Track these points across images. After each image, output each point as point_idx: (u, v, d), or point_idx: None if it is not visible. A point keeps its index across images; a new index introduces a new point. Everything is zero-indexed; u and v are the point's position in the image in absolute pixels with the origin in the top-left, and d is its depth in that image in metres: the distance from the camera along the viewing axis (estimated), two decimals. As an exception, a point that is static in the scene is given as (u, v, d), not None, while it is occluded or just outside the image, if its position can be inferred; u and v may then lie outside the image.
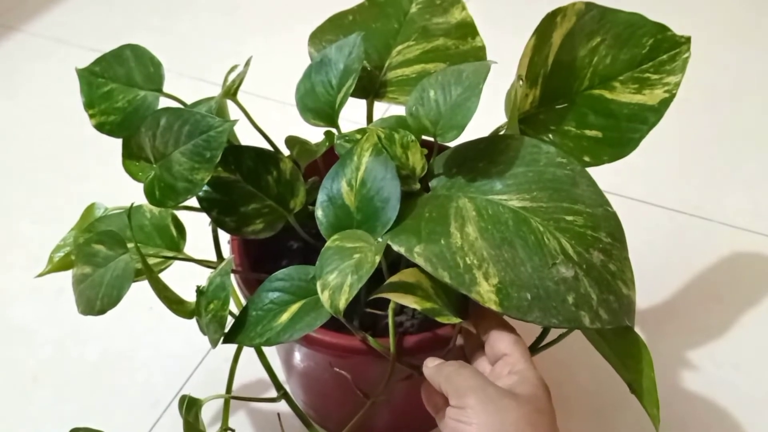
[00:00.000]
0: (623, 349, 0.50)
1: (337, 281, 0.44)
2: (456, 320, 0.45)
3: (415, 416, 0.67)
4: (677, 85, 0.53)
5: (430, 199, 0.50)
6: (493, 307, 0.44)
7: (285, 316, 0.47)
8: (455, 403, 0.42)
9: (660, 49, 0.54)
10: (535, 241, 0.46)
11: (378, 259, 0.44)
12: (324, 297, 0.44)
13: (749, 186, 0.86)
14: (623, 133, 0.54)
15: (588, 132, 0.54)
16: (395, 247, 0.46)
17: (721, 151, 0.91)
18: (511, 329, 0.46)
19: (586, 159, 0.53)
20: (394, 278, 0.46)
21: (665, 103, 0.53)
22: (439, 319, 0.45)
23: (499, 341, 0.45)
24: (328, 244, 0.47)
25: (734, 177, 0.87)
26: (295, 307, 0.47)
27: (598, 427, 0.66)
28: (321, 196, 0.50)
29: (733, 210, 0.83)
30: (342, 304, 0.43)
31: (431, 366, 0.46)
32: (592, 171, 0.51)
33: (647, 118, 0.53)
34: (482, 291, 0.44)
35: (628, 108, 0.54)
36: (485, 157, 0.51)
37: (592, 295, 0.45)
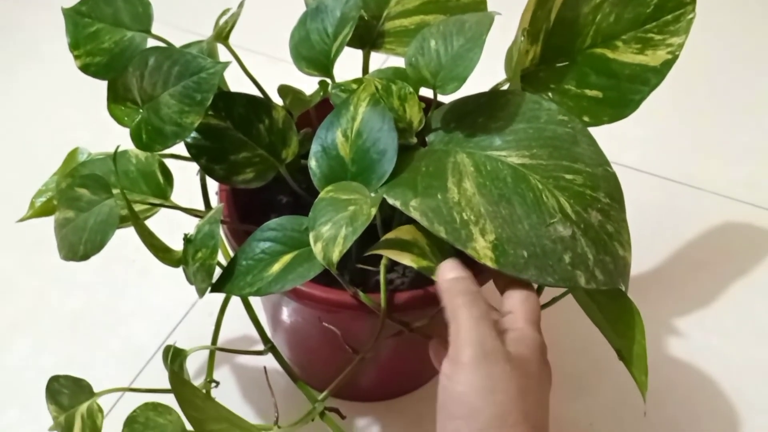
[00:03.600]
0: (615, 314, 0.49)
1: (331, 233, 0.42)
2: None
3: (401, 376, 0.66)
4: (681, 46, 0.52)
5: (427, 153, 0.49)
6: (489, 264, 0.43)
7: (276, 267, 0.45)
8: (452, 353, 0.40)
9: (665, 9, 0.52)
10: (533, 198, 0.45)
11: (374, 211, 0.42)
12: (317, 249, 0.43)
13: (742, 157, 0.86)
14: (624, 93, 0.53)
15: (588, 92, 0.53)
16: (390, 201, 0.45)
17: (716, 121, 0.90)
18: (526, 286, 0.44)
19: (586, 119, 0.52)
20: (390, 235, 0.45)
21: (668, 65, 0.52)
22: (434, 278, 0.44)
23: (508, 298, 0.43)
24: (321, 195, 0.45)
25: (728, 147, 0.87)
26: (287, 258, 0.46)
27: (579, 392, 0.66)
28: (315, 147, 0.48)
29: (725, 180, 0.83)
30: (335, 256, 0.42)
31: (449, 278, 0.42)
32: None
33: (649, 79, 0.52)
34: (478, 247, 0.43)
35: (630, 68, 0.52)
36: (485, 113, 0.50)
37: (588, 255, 0.45)
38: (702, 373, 0.67)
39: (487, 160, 0.47)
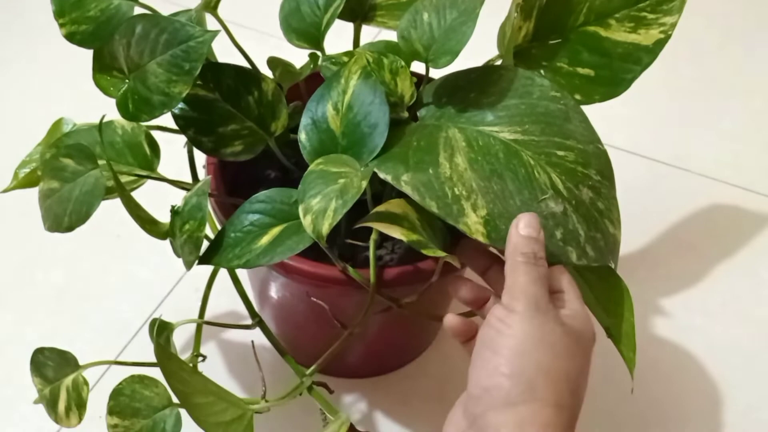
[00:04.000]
0: (605, 292, 0.50)
1: (321, 206, 0.42)
2: (441, 253, 0.44)
3: (388, 353, 0.66)
4: (673, 26, 0.52)
5: (419, 127, 0.48)
6: (481, 239, 0.43)
7: (265, 239, 0.45)
8: (505, 301, 0.40)
9: (659, -13, 0.52)
10: (525, 174, 0.45)
11: (364, 184, 0.42)
12: (306, 222, 0.42)
13: (730, 139, 0.86)
14: (616, 72, 0.52)
15: (580, 70, 0.52)
16: (381, 175, 0.45)
17: (705, 103, 0.90)
18: (565, 269, 0.44)
19: (578, 97, 0.52)
20: (380, 208, 0.45)
21: (660, 44, 0.52)
22: (426, 252, 0.44)
23: (555, 279, 0.43)
24: (311, 167, 0.45)
25: (716, 129, 0.87)
26: (276, 230, 0.45)
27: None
28: (305, 119, 0.48)
29: (712, 162, 0.83)
30: (325, 229, 0.42)
31: (523, 234, 0.41)
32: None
33: (641, 58, 0.52)
34: (470, 222, 0.43)
35: (623, 47, 0.52)
36: (477, 88, 0.50)
37: (579, 232, 0.45)
38: (686, 352, 0.68)
39: (479, 136, 0.47)
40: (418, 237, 0.44)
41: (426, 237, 0.44)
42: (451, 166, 0.45)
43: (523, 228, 0.42)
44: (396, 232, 0.43)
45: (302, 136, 0.48)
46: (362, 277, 0.48)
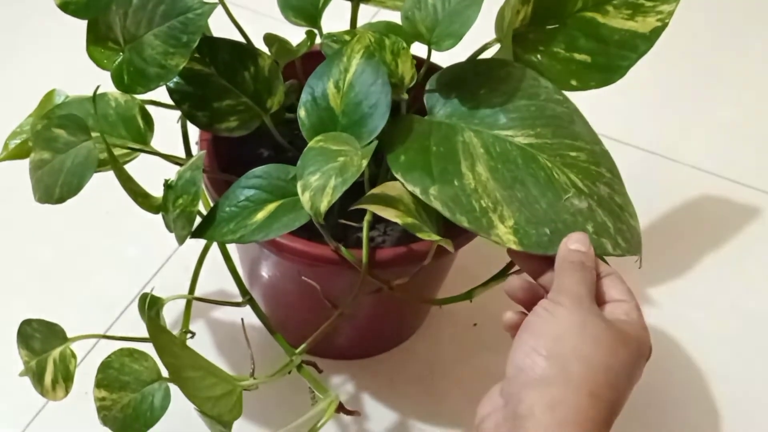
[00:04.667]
0: None
1: (320, 183, 0.42)
2: (436, 237, 0.44)
3: (377, 335, 0.66)
4: (671, 14, 0.52)
5: (433, 127, 0.48)
6: (514, 247, 0.44)
7: (261, 215, 0.45)
8: (552, 296, 0.42)
9: (656, -25, 0.52)
10: (545, 177, 0.46)
11: (365, 163, 0.42)
12: (304, 198, 0.42)
13: (722, 132, 0.86)
14: (612, 59, 0.53)
15: (577, 55, 0.52)
16: (410, 188, 0.45)
17: (697, 95, 0.91)
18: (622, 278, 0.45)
19: (574, 83, 0.52)
20: (376, 190, 0.45)
21: (657, 32, 0.52)
22: (420, 235, 0.44)
23: (612, 287, 0.43)
24: (311, 144, 0.44)
25: (708, 122, 0.88)
26: (272, 206, 0.45)
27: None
28: (305, 96, 0.47)
29: (704, 154, 0.84)
30: (324, 206, 0.41)
31: (572, 247, 0.43)
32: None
33: (638, 45, 0.52)
34: (500, 233, 0.44)
35: (619, 34, 0.52)
36: (485, 84, 0.50)
37: (608, 224, 0.46)
38: (673, 341, 0.68)
39: (495, 141, 0.47)
40: (413, 220, 0.44)
41: (421, 220, 0.44)
42: (474, 176, 0.45)
43: (572, 244, 0.43)
44: (391, 215, 0.43)
45: (302, 112, 0.47)
46: (355, 257, 0.48)
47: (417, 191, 0.44)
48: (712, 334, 0.69)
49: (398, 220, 0.43)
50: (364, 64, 0.46)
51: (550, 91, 0.49)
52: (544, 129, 0.48)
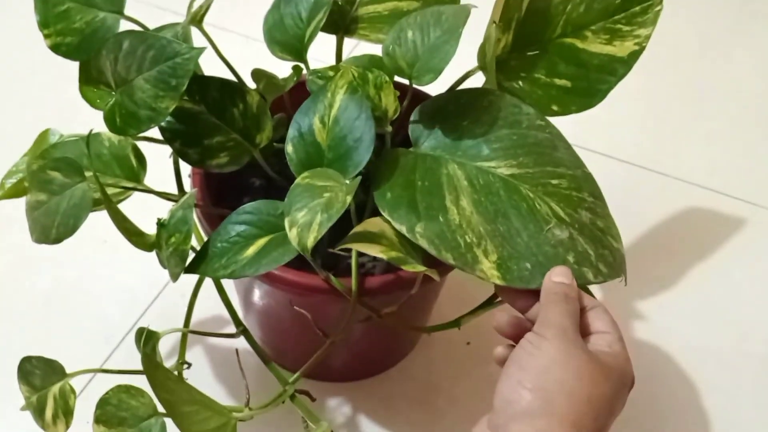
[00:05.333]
0: None
1: (306, 219, 0.43)
2: (421, 268, 0.45)
3: (371, 357, 0.67)
4: (647, 38, 0.54)
5: (418, 160, 0.49)
6: (498, 282, 0.45)
7: (251, 250, 0.46)
8: (537, 329, 0.43)
9: (633, 0, 0.53)
10: (527, 208, 0.47)
11: (349, 199, 0.43)
12: (292, 234, 0.43)
13: (707, 143, 0.88)
14: (592, 83, 0.54)
15: (557, 81, 0.54)
16: (396, 226, 0.46)
17: (683, 108, 0.92)
18: (606, 310, 0.46)
19: (555, 108, 0.53)
20: (358, 228, 0.46)
21: (634, 56, 0.53)
22: (405, 268, 0.45)
23: (597, 319, 0.45)
24: (297, 181, 0.46)
25: (693, 134, 0.89)
26: (262, 242, 0.46)
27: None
28: (292, 132, 0.49)
29: (689, 166, 0.85)
30: (310, 242, 0.43)
31: (556, 280, 0.45)
32: (554, 120, 0.52)
33: (616, 69, 0.53)
34: (485, 268, 0.45)
35: (598, 58, 0.54)
36: (468, 114, 0.51)
37: (589, 252, 0.47)
38: (662, 353, 0.69)
39: (479, 173, 0.48)
40: (397, 253, 0.45)
41: (405, 252, 0.46)
42: (459, 210, 0.46)
43: (555, 276, 0.45)
44: (376, 251, 0.44)
45: (289, 148, 0.49)
46: (344, 286, 0.49)
47: (404, 230, 0.45)
48: (701, 346, 0.70)
49: (383, 256, 0.44)
50: (347, 100, 0.48)
51: (531, 118, 0.50)
52: (526, 158, 0.49)
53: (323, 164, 0.47)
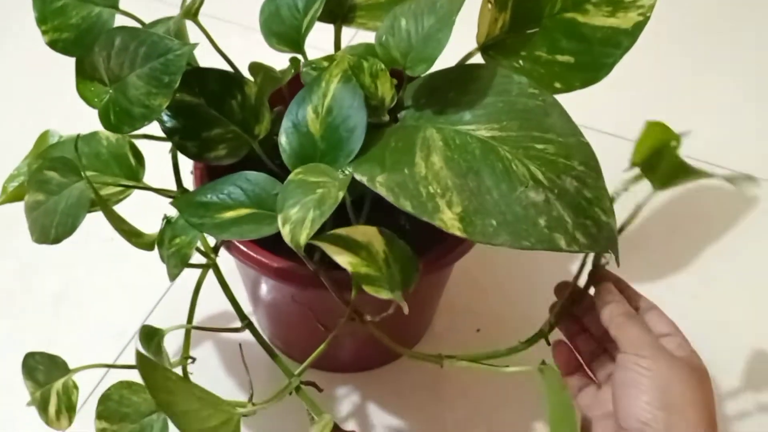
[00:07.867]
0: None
1: (299, 215, 0.42)
2: (385, 294, 0.44)
3: (379, 349, 0.67)
4: (651, 7, 0.51)
5: (398, 129, 0.49)
6: (458, 233, 0.43)
7: (230, 214, 0.46)
8: (631, 350, 0.45)
9: (635, -30, 0.52)
10: (502, 168, 0.45)
11: (341, 194, 0.42)
12: (285, 231, 0.43)
13: (718, 121, 0.86)
14: (596, 57, 0.52)
15: (560, 57, 0.52)
16: (358, 176, 0.45)
17: (691, 85, 0.90)
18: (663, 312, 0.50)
19: (558, 85, 0.52)
20: (341, 230, 0.44)
21: (639, 27, 0.51)
22: (366, 289, 0.43)
23: (658, 322, 0.48)
24: (290, 177, 0.45)
25: (703, 112, 0.87)
26: (243, 212, 0.46)
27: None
28: (286, 123, 0.48)
29: (700, 144, 0.83)
30: (303, 239, 0.42)
31: (608, 300, 0.48)
32: (559, 99, 0.50)
33: (621, 41, 0.51)
34: (445, 218, 0.43)
35: (601, 31, 0.52)
36: (455, 87, 0.50)
37: (566, 218, 0.45)
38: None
39: (456, 135, 0.47)
40: (366, 271, 0.43)
41: (381, 272, 0.44)
42: (427, 165, 0.45)
43: (607, 294, 0.48)
44: (343, 261, 0.43)
45: (282, 139, 0.48)
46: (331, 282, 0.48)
47: (364, 179, 0.44)
48: (712, 325, 0.69)
49: (349, 268, 0.43)
50: (341, 89, 0.47)
51: (523, 86, 0.49)
52: (510, 122, 0.47)
53: (316, 154, 0.47)
